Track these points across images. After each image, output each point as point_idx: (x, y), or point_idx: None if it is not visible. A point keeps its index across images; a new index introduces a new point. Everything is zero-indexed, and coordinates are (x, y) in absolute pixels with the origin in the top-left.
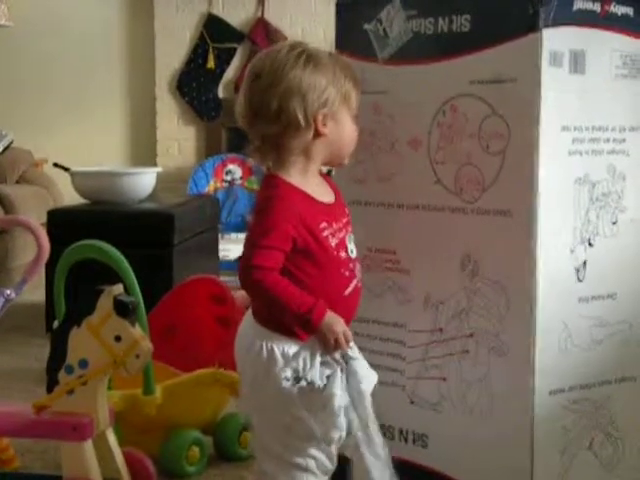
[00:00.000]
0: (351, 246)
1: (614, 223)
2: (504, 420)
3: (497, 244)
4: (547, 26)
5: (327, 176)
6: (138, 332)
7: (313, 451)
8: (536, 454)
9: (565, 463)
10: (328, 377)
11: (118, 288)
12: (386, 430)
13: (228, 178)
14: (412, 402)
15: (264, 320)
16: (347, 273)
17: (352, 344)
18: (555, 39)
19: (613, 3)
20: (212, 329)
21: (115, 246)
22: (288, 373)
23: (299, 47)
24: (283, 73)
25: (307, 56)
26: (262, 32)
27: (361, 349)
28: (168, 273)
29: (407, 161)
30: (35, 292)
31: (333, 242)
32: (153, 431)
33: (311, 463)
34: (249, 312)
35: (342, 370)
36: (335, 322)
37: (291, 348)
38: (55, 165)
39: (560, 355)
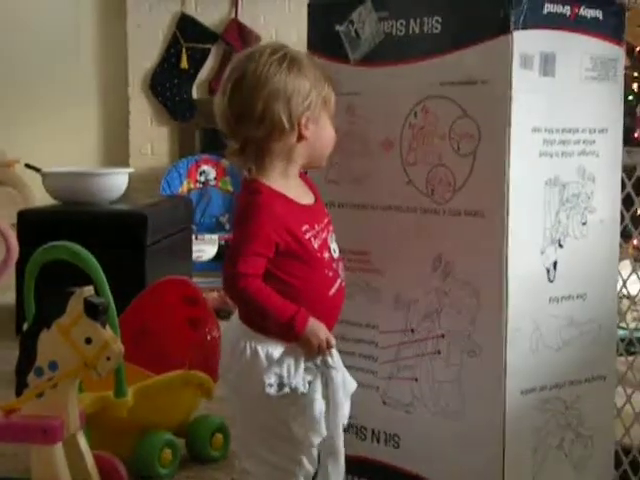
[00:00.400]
0: (334, 246)
1: (584, 224)
2: (476, 420)
3: (468, 245)
4: (518, 29)
5: (305, 175)
6: (109, 334)
7: (298, 455)
8: (507, 454)
9: (536, 463)
10: (310, 382)
11: (88, 290)
12: (358, 430)
13: (202, 179)
14: (384, 403)
15: (249, 320)
16: (331, 273)
17: (334, 352)
18: (526, 41)
19: (583, 6)
20: (184, 331)
21: (87, 247)
22: (272, 379)
23: (281, 50)
24: (268, 76)
25: (290, 60)
26: (236, 33)
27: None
28: (141, 274)
29: (379, 162)
30: (5, 294)
31: (316, 244)
32: (125, 433)
33: (295, 467)
34: (236, 312)
35: (322, 376)
36: (318, 328)
37: (276, 349)
38: (27, 166)
39: (531, 355)
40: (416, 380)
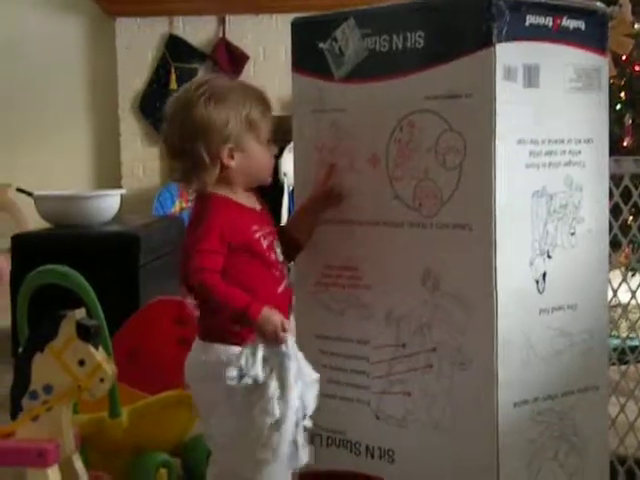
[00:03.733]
0: (278, 251)
1: (572, 234)
2: (469, 433)
3: (456, 258)
4: (500, 41)
5: (254, 191)
6: (102, 355)
7: (261, 454)
8: (502, 467)
9: (531, 475)
10: (270, 371)
11: (80, 312)
12: (353, 446)
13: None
14: (378, 418)
15: (205, 334)
16: (277, 273)
17: (290, 341)
18: (509, 54)
19: (565, 17)
20: (177, 351)
21: (81, 269)
22: (233, 372)
23: (204, 85)
24: (187, 113)
25: (210, 93)
26: (224, 52)
27: (325, 366)
28: (134, 295)
29: (366, 178)
30: (2, 317)
31: (264, 243)
32: (120, 454)
33: (260, 466)
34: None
35: (280, 364)
36: (272, 313)
37: (234, 353)
38: (19, 190)
39: (523, 367)
40: (409, 394)
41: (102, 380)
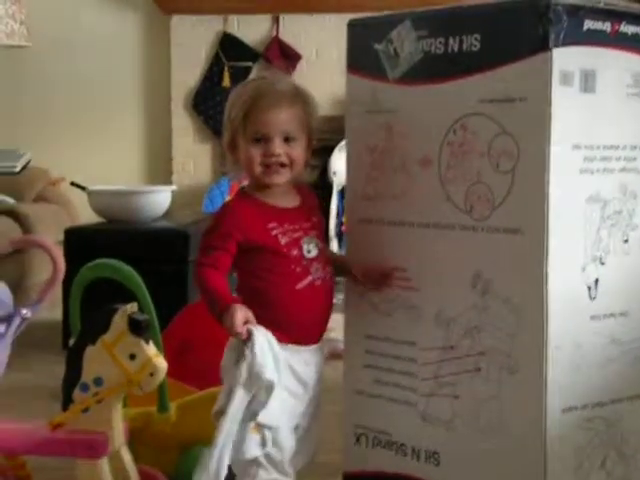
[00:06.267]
0: (308, 247)
1: (625, 241)
2: (517, 438)
3: (507, 262)
4: (557, 46)
5: (301, 186)
6: (152, 350)
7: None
8: (549, 473)
9: None
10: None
11: (132, 306)
12: (398, 448)
13: None
14: (424, 420)
15: None
16: (299, 269)
17: (252, 342)
18: (565, 58)
19: (623, 23)
20: (225, 347)
21: (131, 264)
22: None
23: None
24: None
25: (234, 91)
26: (277, 51)
27: (371, 367)
28: (183, 290)
29: (418, 179)
30: (53, 310)
31: (283, 240)
32: (168, 448)
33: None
34: None
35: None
36: (227, 315)
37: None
38: (72, 184)
39: (572, 373)
40: (456, 397)
41: (152, 374)
